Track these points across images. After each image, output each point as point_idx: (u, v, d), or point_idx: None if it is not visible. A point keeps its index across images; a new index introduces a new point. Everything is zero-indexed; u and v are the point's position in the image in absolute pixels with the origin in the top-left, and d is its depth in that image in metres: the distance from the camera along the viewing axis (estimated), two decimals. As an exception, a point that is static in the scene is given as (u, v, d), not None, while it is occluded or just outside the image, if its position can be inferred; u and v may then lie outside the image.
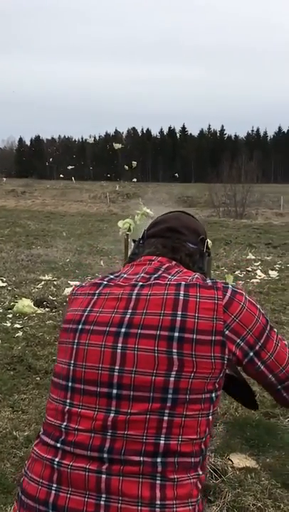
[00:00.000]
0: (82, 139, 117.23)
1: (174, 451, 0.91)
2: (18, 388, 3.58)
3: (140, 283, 1.03)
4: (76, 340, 1.01)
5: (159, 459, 0.90)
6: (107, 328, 0.99)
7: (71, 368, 1.00)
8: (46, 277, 7.25)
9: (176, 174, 48.77)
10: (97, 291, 1.06)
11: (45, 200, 32.76)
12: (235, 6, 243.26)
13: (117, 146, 6.87)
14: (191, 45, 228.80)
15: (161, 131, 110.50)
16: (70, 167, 15.62)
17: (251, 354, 1.00)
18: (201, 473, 0.97)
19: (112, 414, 0.93)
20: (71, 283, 6.87)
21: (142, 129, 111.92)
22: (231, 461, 2.68)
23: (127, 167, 6.92)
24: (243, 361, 1.00)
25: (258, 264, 8.74)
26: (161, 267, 1.07)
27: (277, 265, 8.60)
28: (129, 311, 0.99)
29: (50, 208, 26.02)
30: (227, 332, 0.96)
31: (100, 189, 39.45)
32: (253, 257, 9.43)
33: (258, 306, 1.04)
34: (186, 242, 1.17)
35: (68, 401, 0.98)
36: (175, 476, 0.91)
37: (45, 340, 4.56)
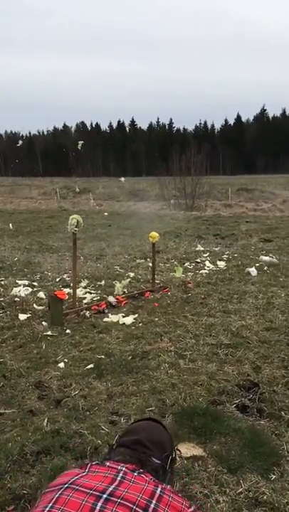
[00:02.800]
0: (29, 134, 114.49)
1: None
2: None
3: (123, 472, 1.18)
4: (60, 492, 1.10)
5: None
6: (91, 491, 1.09)
7: (46, 509, 1.06)
8: (-7, 277, 7.03)
9: None
10: (86, 469, 1.19)
11: (-7, 197, 31.76)
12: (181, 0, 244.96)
13: (80, 143, 6.99)
14: (137, 38, 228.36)
15: (110, 126, 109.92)
16: None
17: None
18: None
19: None
20: (19, 282, 6.71)
21: (92, 123, 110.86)
22: (179, 451, 2.70)
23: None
24: None
25: (206, 255, 8.89)
26: (138, 469, 1.21)
27: (225, 255, 8.79)
28: (113, 486, 1.11)
29: (-3, 206, 25.26)
30: None
31: (50, 185, 38.72)
32: (202, 249, 9.60)
33: None
34: (151, 456, 1.29)
35: None
36: None
37: (-8, 342, 4.43)
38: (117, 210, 22.14)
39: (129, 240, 11.09)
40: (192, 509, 1.16)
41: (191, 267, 7.90)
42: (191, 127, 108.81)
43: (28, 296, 5.92)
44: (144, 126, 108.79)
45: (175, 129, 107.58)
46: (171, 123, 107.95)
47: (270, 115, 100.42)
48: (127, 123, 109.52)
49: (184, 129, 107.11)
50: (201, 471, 2.51)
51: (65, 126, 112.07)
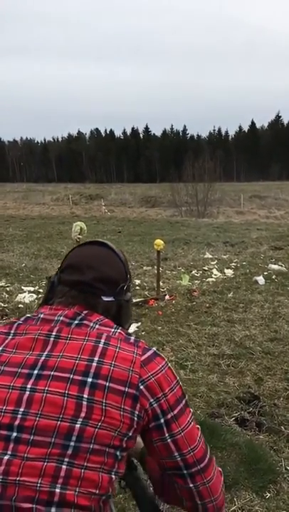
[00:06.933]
0: (44, 140, 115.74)
1: (71, 503, 0.83)
2: None
3: (58, 327, 0.98)
4: None
5: (53, 509, 0.82)
6: (19, 370, 0.93)
7: None
8: (-1, 283, 7.05)
9: None
10: (12, 331, 1.00)
11: (7, 203, 32.10)
12: (196, 7, 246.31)
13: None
14: (149, 46, 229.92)
15: (124, 132, 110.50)
16: None
17: (162, 421, 0.94)
18: None
19: (6, 457, 0.85)
20: (25, 289, 6.71)
21: (106, 130, 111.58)
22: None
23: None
24: (150, 424, 0.94)
25: (214, 263, 8.80)
26: (81, 312, 1.01)
27: (233, 263, 8.69)
28: (45, 353, 0.94)
29: (10, 212, 25.49)
30: (142, 387, 0.93)
31: (63, 191, 38.96)
32: (210, 256, 9.50)
33: (177, 378, 1.01)
34: (101, 296, 1.07)
35: None
36: None
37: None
38: (128, 217, 22.16)
39: (137, 247, 11.06)
40: (150, 353, 0.97)
41: (198, 274, 7.82)
42: (205, 134, 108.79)
43: (31, 303, 5.91)
44: (158, 133, 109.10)
45: (189, 135, 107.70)
46: (185, 130, 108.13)
47: (285, 122, 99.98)
48: (141, 129, 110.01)
49: (197, 135, 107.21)
50: (194, 487, 2.44)
51: (79, 132, 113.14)
